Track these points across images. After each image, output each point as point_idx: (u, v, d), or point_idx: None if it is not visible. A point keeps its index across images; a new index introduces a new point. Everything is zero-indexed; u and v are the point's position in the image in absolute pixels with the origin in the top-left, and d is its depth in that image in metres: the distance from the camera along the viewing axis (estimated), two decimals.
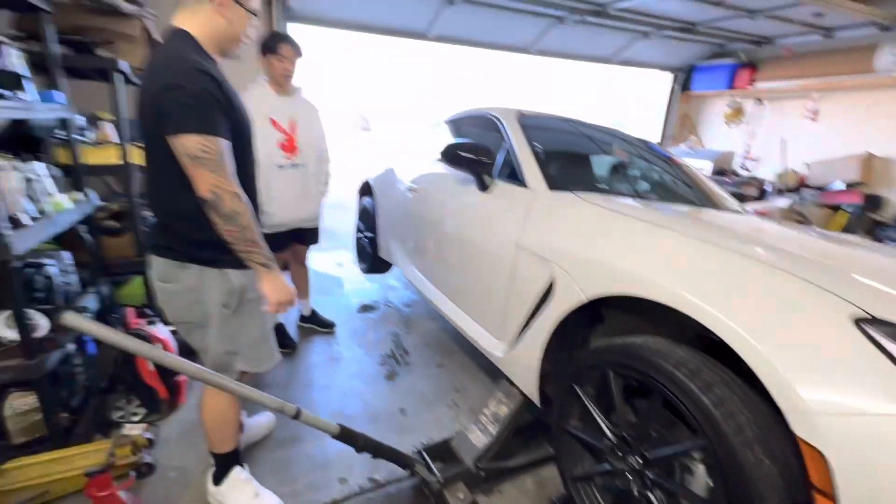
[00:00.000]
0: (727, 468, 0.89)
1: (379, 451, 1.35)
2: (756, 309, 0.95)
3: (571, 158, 2.12)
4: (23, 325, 1.39)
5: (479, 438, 1.60)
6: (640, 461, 1.11)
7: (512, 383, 1.65)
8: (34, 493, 1.41)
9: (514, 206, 1.66)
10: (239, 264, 1.16)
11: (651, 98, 6.45)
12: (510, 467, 1.62)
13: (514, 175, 1.81)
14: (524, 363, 1.53)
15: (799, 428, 0.83)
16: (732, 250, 1.11)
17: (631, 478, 1.13)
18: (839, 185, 4.21)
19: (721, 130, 5.33)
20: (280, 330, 2.40)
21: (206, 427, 1.38)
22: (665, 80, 5.88)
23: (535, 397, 1.52)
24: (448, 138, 2.74)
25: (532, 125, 2.01)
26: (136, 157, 2.25)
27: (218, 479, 1.43)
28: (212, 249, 1.13)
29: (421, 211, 2.41)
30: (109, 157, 2.17)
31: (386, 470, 1.61)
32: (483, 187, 1.83)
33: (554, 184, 1.64)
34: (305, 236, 2.41)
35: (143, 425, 1.66)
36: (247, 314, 1.24)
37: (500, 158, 1.93)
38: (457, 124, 2.74)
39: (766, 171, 4.63)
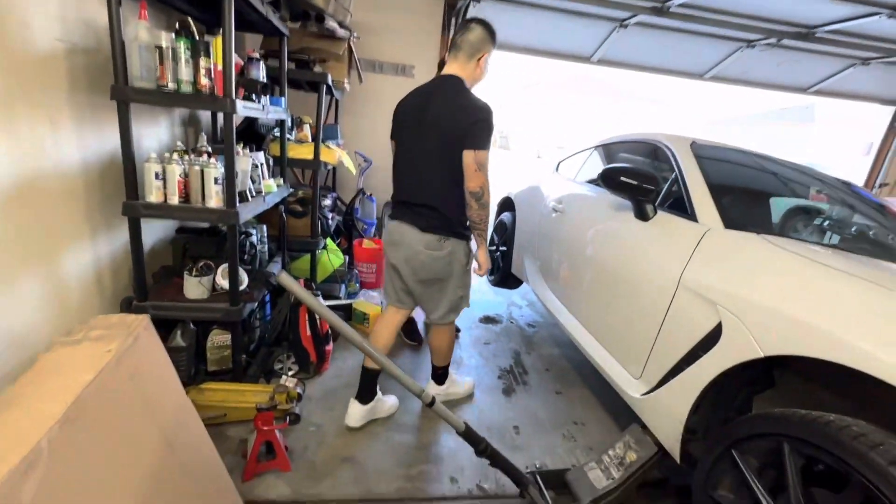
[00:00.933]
0: None
1: (496, 459, 1.36)
2: None
3: (754, 196, 1.86)
4: (234, 278, 1.74)
5: (598, 478, 1.49)
6: None
7: (645, 430, 1.51)
8: (217, 412, 1.75)
9: (678, 240, 1.53)
10: (470, 238, 1.69)
11: (847, 134, 5.38)
12: None
13: (678, 207, 1.67)
14: (668, 412, 1.39)
15: None
16: None
17: None
18: None
19: None
20: (412, 325, 2.58)
21: (439, 350, 1.92)
22: (880, 114, 4.82)
23: (675, 452, 1.37)
24: (599, 162, 2.65)
25: (707, 156, 1.83)
26: (324, 154, 2.66)
27: (441, 381, 2.02)
28: (463, 228, 1.66)
29: (564, 232, 2.36)
30: (305, 152, 2.61)
31: (494, 481, 1.61)
32: (642, 216, 1.72)
33: (731, 222, 1.47)
34: None
35: (296, 380, 1.94)
36: (470, 269, 1.77)
37: (662, 188, 1.80)
38: (611, 148, 2.63)
39: None
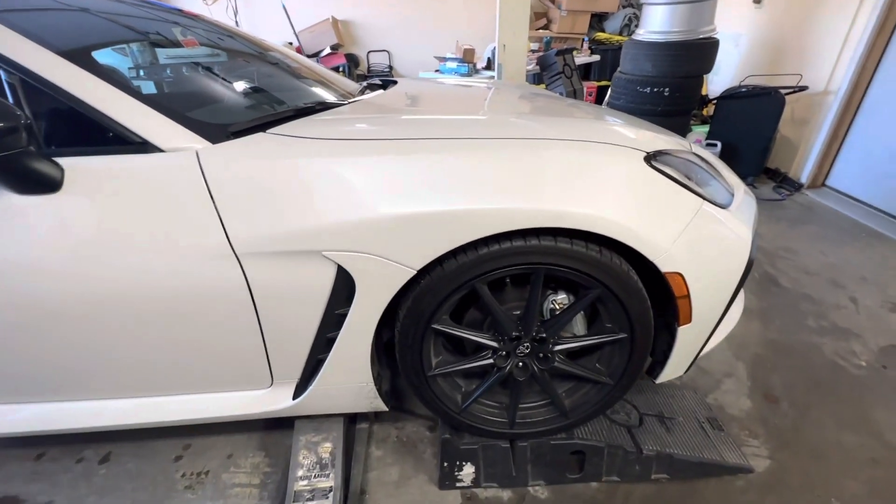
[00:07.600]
0: (628, 294, 0.99)
1: None
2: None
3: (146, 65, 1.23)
4: None
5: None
6: (531, 343, 1.11)
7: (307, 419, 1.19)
8: None
9: (152, 195, 0.86)
10: None
11: None
12: None
13: (66, 139, 0.90)
14: (344, 385, 1.14)
15: (665, 265, 0.95)
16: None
17: (522, 362, 1.13)
18: (328, 51, 4.75)
19: None
20: None
21: None
22: None
23: (377, 406, 1.20)
24: None
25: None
26: None
27: None
28: None
29: None
30: None
31: None
32: (33, 187, 0.83)
33: (208, 128, 0.92)
34: None
35: None
36: None
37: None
38: None
39: None
